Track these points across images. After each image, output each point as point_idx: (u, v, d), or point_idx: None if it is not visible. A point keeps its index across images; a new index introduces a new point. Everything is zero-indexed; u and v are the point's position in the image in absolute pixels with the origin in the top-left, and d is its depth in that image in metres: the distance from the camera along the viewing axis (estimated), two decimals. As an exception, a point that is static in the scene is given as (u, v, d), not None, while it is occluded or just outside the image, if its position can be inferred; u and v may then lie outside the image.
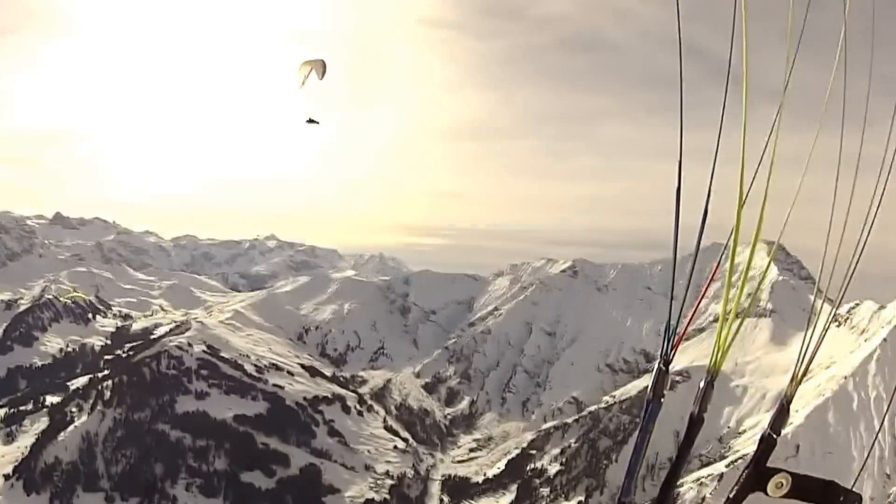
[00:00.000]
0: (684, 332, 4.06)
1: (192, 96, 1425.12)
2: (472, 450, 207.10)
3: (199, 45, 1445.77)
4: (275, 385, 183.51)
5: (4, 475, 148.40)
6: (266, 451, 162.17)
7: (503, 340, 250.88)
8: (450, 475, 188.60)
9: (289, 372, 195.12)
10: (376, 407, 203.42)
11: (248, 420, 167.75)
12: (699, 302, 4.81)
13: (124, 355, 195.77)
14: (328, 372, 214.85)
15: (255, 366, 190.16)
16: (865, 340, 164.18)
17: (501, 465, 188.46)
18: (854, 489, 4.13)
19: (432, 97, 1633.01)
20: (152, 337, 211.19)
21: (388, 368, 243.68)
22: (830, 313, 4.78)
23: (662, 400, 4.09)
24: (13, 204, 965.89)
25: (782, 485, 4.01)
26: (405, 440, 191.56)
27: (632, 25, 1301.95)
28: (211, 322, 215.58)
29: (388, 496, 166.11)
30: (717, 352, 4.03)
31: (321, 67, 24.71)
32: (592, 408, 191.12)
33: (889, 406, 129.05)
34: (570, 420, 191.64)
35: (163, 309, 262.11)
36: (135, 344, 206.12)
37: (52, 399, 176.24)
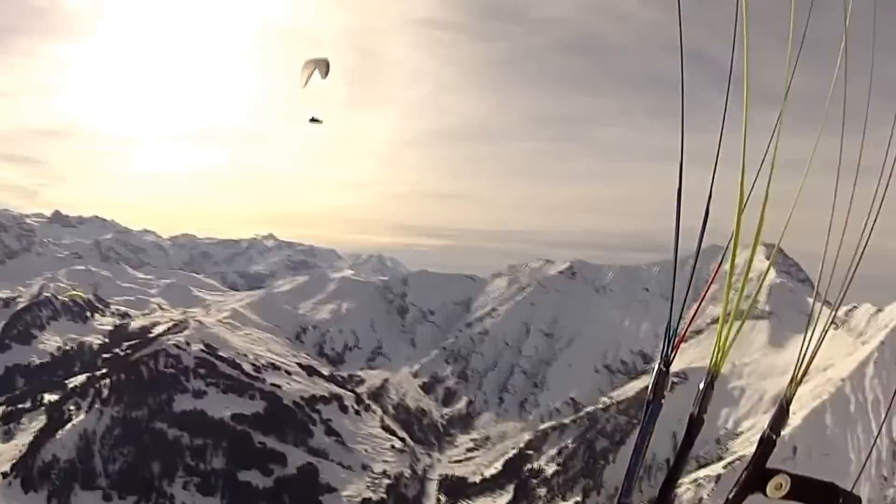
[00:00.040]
0: (685, 333, 4.08)
1: (191, 96, 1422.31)
2: (469, 450, 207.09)
3: (199, 44, 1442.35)
4: (272, 384, 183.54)
5: (2, 473, 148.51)
6: (263, 451, 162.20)
7: (501, 341, 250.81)
8: (447, 475, 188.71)
9: (286, 371, 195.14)
10: (374, 406, 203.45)
11: (246, 419, 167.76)
12: (700, 303, 4.84)
13: (122, 354, 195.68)
14: (326, 371, 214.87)
15: (253, 365, 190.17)
16: (863, 343, 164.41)
17: (499, 465, 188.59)
18: (853, 491, 4.16)
19: (431, 98, 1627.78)
20: (150, 336, 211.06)
21: (386, 368, 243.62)
22: (830, 315, 4.80)
23: (663, 401, 4.11)
24: (12, 202, 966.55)
25: (782, 486, 4.03)
26: (402, 440, 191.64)
27: (631, 28, 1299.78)
28: (209, 321, 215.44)
29: (384, 496, 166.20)
30: (718, 353, 4.05)
31: (324, 67, 24.67)
32: (590, 408, 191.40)
33: (889, 409, 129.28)
34: (567, 421, 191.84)
35: (161, 308, 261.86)
36: (133, 342, 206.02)
37: (49, 397, 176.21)
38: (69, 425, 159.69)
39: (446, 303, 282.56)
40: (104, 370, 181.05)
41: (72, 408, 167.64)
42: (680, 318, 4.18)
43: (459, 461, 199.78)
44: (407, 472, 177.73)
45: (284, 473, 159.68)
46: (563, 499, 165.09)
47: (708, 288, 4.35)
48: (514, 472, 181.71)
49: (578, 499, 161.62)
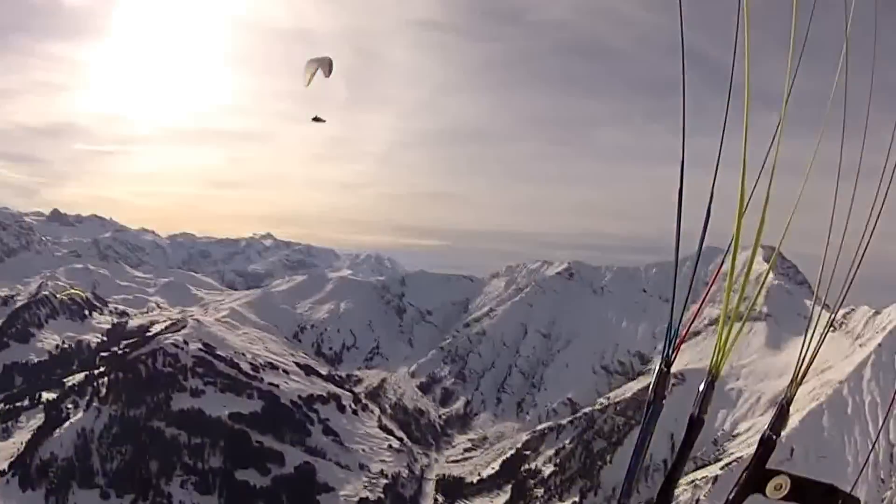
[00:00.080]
0: (686, 333, 4.10)
1: (190, 95, 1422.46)
2: (466, 450, 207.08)
3: (198, 43, 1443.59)
4: (270, 383, 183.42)
5: (0, 471, 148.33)
6: (261, 450, 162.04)
7: (498, 341, 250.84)
8: (444, 475, 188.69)
9: (284, 370, 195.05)
10: (371, 406, 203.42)
11: (244, 418, 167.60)
12: (702, 304, 4.87)
13: (120, 352, 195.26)
14: (323, 371, 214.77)
15: (251, 364, 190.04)
16: (860, 345, 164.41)
17: (496, 465, 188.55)
18: (852, 493, 4.18)
19: (429, 99, 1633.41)
20: (148, 334, 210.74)
21: (384, 368, 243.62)
22: (831, 315, 4.83)
23: (664, 401, 4.14)
24: (10, 200, 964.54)
25: (782, 487, 4.05)
26: (400, 439, 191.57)
27: (631, 31, 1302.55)
28: (207, 320, 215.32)
29: (382, 495, 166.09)
30: (718, 353, 4.07)
31: (327, 66, 24.65)
32: (587, 409, 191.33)
33: (888, 412, 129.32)
34: (564, 421, 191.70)
35: (159, 306, 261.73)
36: (131, 341, 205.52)
37: (47, 395, 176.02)
38: (67, 423, 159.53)
39: (444, 303, 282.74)
40: (102, 369, 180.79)
41: (70, 406, 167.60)
42: (681, 318, 4.20)
43: (457, 461, 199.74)
44: (404, 472, 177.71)
45: (282, 473, 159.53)
46: (561, 499, 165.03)
47: (709, 289, 4.39)
48: (512, 472, 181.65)
49: (576, 499, 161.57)
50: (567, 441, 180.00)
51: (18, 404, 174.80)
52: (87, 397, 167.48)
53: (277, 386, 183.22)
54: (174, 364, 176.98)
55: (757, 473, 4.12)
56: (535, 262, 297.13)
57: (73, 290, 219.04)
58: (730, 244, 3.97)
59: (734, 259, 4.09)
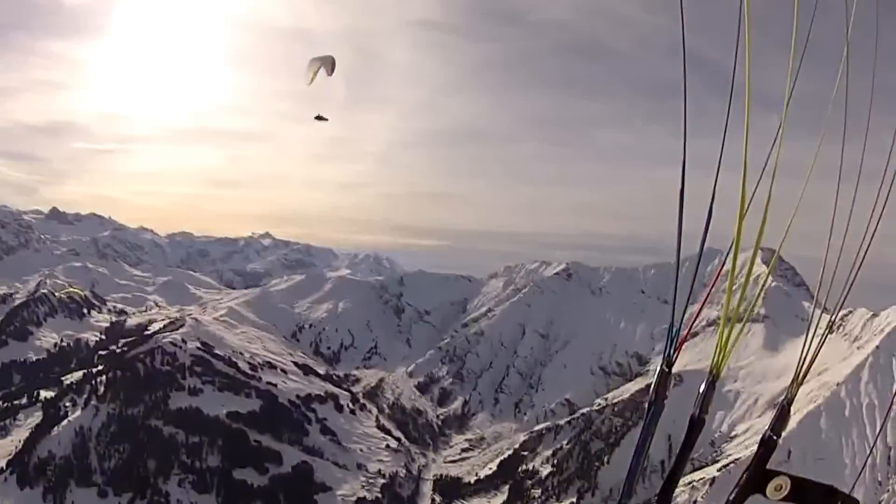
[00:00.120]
0: (687, 333, 4.12)
1: (189, 94, 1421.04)
2: (464, 450, 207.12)
3: (198, 43, 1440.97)
4: (268, 383, 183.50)
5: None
6: (259, 449, 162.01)
7: (496, 341, 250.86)
8: (442, 475, 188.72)
9: (282, 370, 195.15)
10: (369, 406, 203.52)
11: (242, 417, 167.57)
12: (703, 304, 4.88)
13: (118, 351, 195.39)
14: (321, 370, 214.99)
15: (249, 363, 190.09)
16: (858, 348, 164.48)
17: (493, 465, 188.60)
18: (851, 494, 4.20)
19: (429, 99, 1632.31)
20: (146, 333, 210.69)
21: (382, 368, 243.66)
22: (831, 319, 4.84)
23: (665, 402, 4.15)
24: (10, 198, 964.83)
25: (782, 487, 4.07)
26: (398, 439, 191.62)
27: (631, 32, 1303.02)
28: (205, 319, 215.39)
29: (379, 495, 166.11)
30: (719, 353, 4.08)
31: (330, 64, 24.59)
32: (585, 410, 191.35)
33: (887, 415, 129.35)
34: (562, 422, 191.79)
35: (157, 305, 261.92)
36: (129, 340, 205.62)
37: (45, 394, 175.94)
38: (65, 422, 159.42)
39: (442, 303, 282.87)
40: (100, 367, 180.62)
41: (68, 404, 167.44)
42: (682, 319, 4.21)
43: (454, 461, 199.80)
44: (402, 472, 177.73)
45: (279, 472, 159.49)
46: (558, 500, 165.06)
47: (710, 290, 4.40)
48: (509, 472, 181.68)
49: (573, 500, 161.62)
50: (564, 442, 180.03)
51: (16, 402, 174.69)
52: (85, 396, 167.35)
53: (275, 385, 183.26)
54: (172, 363, 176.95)
55: (757, 474, 4.13)
56: (534, 263, 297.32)
57: (71, 289, 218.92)
58: (731, 246, 3.98)
59: (735, 260, 4.11)
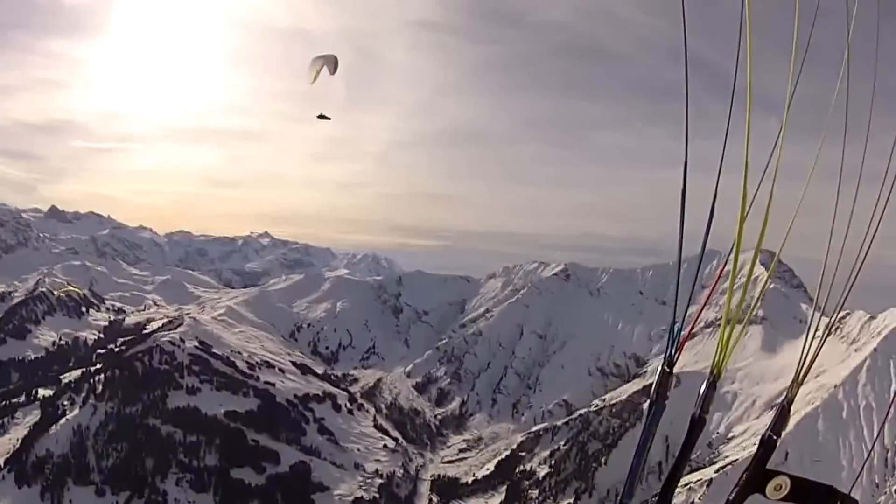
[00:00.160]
0: (688, 334, 4.13)
1: (189, 94, 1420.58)
2: (461, 450, 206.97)
3: (198, 42, 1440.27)
4: (266, 382, 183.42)
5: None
6: (256, 448, 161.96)
7: (494, 342, 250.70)
8: (439, 475, 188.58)
9: (280, 369, 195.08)
10: (367, 406, 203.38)
11: (239, 416, 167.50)
12: (704, 304, 4.90)
13: (117, 349, 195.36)
14: (319, 370, 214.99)
15: (247, 362, 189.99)
16: (856, 350, 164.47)
17: (491, 466, 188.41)
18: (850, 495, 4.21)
19: (429, 100, 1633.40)
20: (145, 332, 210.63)
21: (380, 368, 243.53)
22: (831, 320, 4.86)
23: (666, 402, 4.16)
24: (8, 197, 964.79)
25: (781, 487, 4.08)
26: (395, 439, 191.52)
27: (631, 34, 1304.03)
28: (203, 318, 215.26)
29: (377, 495, 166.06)
30: (720, 353, 4.09)
31: (332, 63, 24.62)
32: (582, 411, 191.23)
33: (886, 416, 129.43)
34: (559, 423, 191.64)
35: (156, 304, 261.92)
36: (127, 338, 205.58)
37: (44, 392, 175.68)
38: (63, 420, 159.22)
39: (441, 303, 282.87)
40: (98, 366, 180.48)
41: (66, 403, 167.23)
42: (683, 319, 4.23)
43: (452, 461, 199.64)
44: (399, 472, 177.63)
45: (277, 471, 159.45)
46: (555, 500, 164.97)
47: (711, 291, 4.42)
48: (507, 473, 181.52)
49: (570, 501, 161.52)
50: (562, 442, 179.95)
51: (14, 401, 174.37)
52: (83, 394, 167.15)
53: (273, 385, 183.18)
54: (170, 362, 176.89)
55: (757, 474, 4.14)
56: (532, 264, 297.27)
57: (70, 287, 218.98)
58: (731, 247, 4.00)
59: (736, 260, 4.12)
